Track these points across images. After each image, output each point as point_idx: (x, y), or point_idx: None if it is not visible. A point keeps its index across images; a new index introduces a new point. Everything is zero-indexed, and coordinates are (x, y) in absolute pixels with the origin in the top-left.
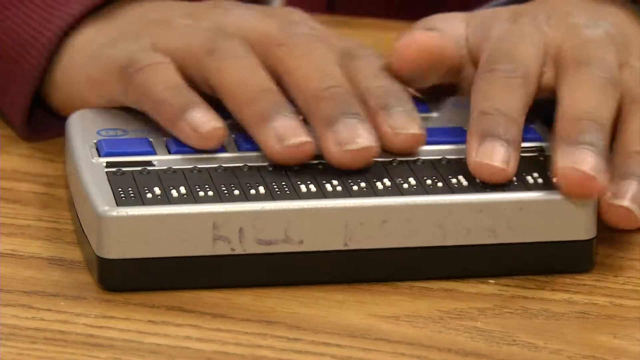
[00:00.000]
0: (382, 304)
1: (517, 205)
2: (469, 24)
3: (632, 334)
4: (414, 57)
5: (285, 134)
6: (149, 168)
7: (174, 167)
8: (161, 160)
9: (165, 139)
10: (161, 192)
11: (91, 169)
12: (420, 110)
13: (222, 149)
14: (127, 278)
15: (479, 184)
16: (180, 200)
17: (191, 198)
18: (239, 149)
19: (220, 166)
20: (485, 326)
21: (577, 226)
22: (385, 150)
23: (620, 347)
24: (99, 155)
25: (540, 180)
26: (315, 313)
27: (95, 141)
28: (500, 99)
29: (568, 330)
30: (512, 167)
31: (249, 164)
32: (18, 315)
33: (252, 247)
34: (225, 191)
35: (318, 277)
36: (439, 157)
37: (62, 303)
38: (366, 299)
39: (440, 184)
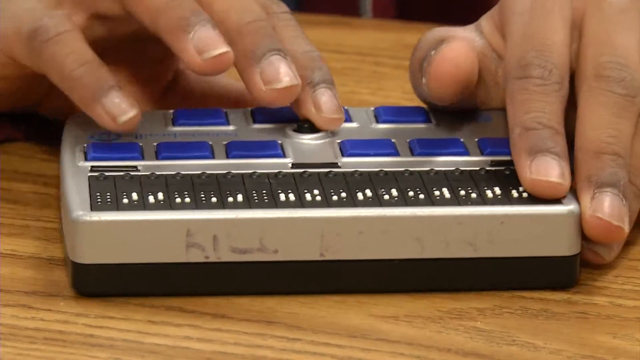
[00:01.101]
0: (381, 304)
1: (498, 219)
2: (480, 22)
3: (632, 334)
4: (453, 73)
5: (206, 46)
6: (132, 173)
7: (157, 173)
8: (146, 165)
9: (155, 144)
10: (138, 197)
11: (75, 172)
12: (420, 120)
13: (210, 155)
14: (100, 283)
15: (461, 197)
16: (156, 206)
17: (167, 204)
18: (228, 156)
19: (204, 173)
20: (484, 326)
21: (560, 242)
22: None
23: (620, 347)
24: (85, 159)
25: (525, 195)
26: (315, 313)
27: (85, 145)
28: (540, 110)
29: (568, 330)
30: (568, 180)
31: (233, 172)
32: (17, 316)
33: (226, 255)
34: (203, 198)
35: (294, 287)
36: (428, 169)
37: (61, 303)
38: (366, 299)
39: (422, 196)
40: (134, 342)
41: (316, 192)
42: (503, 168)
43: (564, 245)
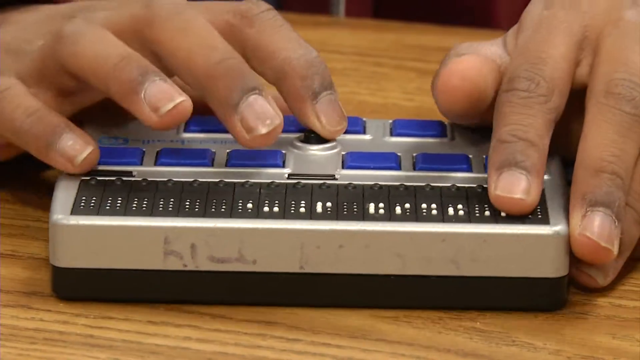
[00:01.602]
0: None
1: (481, 237)
2: (506, 35)
3: (632, 335)
4: (459, 86)
5: (158, 102)
6: (125, 178)
7: (149, 179)
8: (142, 171)
9: (157, 150)
10: (122, 203)
11: (70, 175)
12: (434, 135)
13: (209, 163)
14: (78, 287)
15: (448, 214)
16: (136, 212)
17: (148, 211)
18: (227, 165)
19: (196, 180)
20: (484, 327)
21: (545, 263)
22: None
23: (620, 347)
24: None
25: (504, 213)
26: (315, 314)
27: None
28: (519, 123)
29: (567, 330)
30: (533, 196)
31: (225, 180)
32: (17, 316)
33: (204, 264)
34: (187, 206)
35: (273, 298)
36: (423, 184)
37: (61, 304)
38: None
39: (408, 212)
40: (133, 342)
41: (303, 203)
42: None
43: (550, 267)
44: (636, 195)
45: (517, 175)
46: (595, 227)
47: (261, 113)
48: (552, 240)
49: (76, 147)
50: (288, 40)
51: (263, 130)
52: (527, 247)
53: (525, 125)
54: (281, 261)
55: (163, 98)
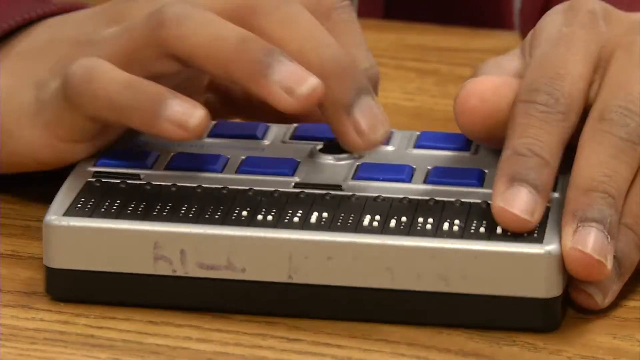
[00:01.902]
0: None
1: (471, 254)
2: (524, 45)
3: (632, 335)
4: (477, 108)
5: (293, 82)
6: (129, 181)
7: (154, 183)
8: (149, 174)
9: (172, 154)
10: (117, 206)
11: (78, 175)
12: (457, 148)
13: (219, 169)
14: (70, 288)
15: (442, 229)
16: (129, 216)
17: (141, 215)
18: (237, 171)
19: (200, 186)
20: None
21: (537, 283)
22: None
23: (620, 347)
24: (95, 164)
25: (499, 230)
26: None
27: (108, 150)
28: (536, 138)
29: (568, 330)
30: (536, 218)
31: (229, 187)
32: (18, 316)
33: (194, 271)
34: (182, 211)
35: (261, 307)
36: (427, 198)
37: (61, 304)
38: None
39: (403, 225)
40: (134, 342)
41: (299, 213)
42: None
43: (542, 287)
44: (635, 218)
45: (526, 192)
46: (588, 241)
47: (373, 117)
48: (544, 259)
49: (186, 112)
50: (356, 47)
51: (375, 136)
52: (518, 266)
53: (542, 141)
54: (270, 270)
55: (297, 79)
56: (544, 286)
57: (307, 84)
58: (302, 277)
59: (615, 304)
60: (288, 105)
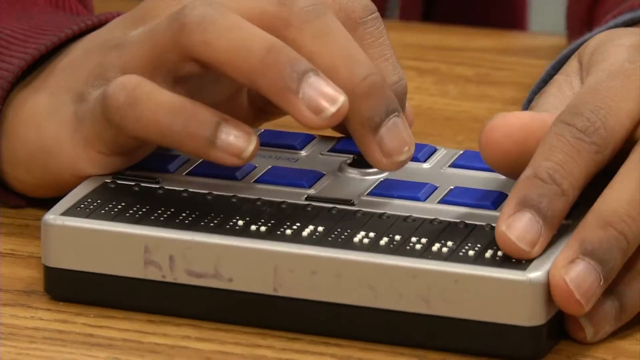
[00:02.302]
0: None
1: (452, 277)
2: (568, 71)
3: (632, 334)
4: (501, 142)
5: (320, 104)
6: (143, 184)
7: (166, 187)
8: (167, 178)
9: (199, 160)
10: (120, 208)
11: (98, 177)
12: (489, 169)
13: (238, 177)
14: (67, 288)
15: (429, 250)
16: (125, 219)
17: (136, 218)
18: (256, 180)
19: (211, 193)
20: None
21: (519, 311)
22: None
23: (620, 346)
24: None
25: (498, 256)
26: None
27: None
28: (561, 164)
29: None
30: (537, 250)
31: (239, 195)
32: (17, 315)
33: (182, 278)
34: (180, 218)
35: (247, 318)
36: (432, 218)
37: (60, 302)
38: None
39: (393, 244)
40: (133, 341)
41: (296, 226)
42: None
43: (523, 315)
44: None
45: (534, 222)
46: (578, 276)
47: (400, 138)
48: (525, 287)
49: (240, 141)
50: (384, 61)
51: (400, 158)
52: (499, 292)
53: (566, 170)
54: (255, 281)
55: (325, 100)
56: (526, 314)
57: (334, 104)
58: (287, 290)
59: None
60: (313, 124)
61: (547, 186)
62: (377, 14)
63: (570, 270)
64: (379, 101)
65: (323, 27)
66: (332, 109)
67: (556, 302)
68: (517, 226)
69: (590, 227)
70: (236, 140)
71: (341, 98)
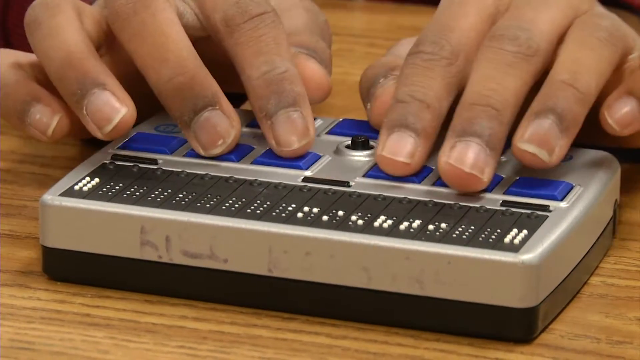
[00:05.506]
0: None
1: (445, 258)
2: None
3: (624, 314)
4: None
5: (101, 120)
6: (142, 165)
7: (164, 168)
8: (166, 160)
9: None
10: (118, 189)
11: (98, 157)
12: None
13: (235, 159)
14: (64, 268)
15: (423, 231)
16: (122, 199)
17: (133, 199)
18: (253, 162)
19: (208, 174)
20: None
21: (510, 292)
22: None
23: (612, 326)
24: (116, 147)
25: (491, 239)
26: None
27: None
28: (418, 84)
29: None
30: (417, 160)
31: (236, 177)
32: (15, 295)
33: (178, 258)
34: (177, 198)
35: (243, 299)
36: (427, 200)
37: (58, 283)
38: None
39: (385, 226)
40: (130, 321)
41: (291, 207)
42: (503, 209)
43: (515, 297)
44: (572, 74)
45: (406, 137)
46: (463, 156)
47: (214, 133)
48: (517, 269)
49: (44, 120)
50: (258, 54)
51: (217, 150)
52: (491, 274)
53: (424, 87)
54: (250, 262)
55: (104, 116)
56: (518, 296)
57: (112, 121)
58: (281, 271)
59: (607, 283)
60: (100, 137)
61: (408, 104)
62: (260, 17)
63: (453, 154)
64: (185, 101)
65: (139, 24)
66: (110, 125)
67: (455, 186)
68: (390, 145)
69: (459, 115)
70: (41, 118)
71: (118, 114)
